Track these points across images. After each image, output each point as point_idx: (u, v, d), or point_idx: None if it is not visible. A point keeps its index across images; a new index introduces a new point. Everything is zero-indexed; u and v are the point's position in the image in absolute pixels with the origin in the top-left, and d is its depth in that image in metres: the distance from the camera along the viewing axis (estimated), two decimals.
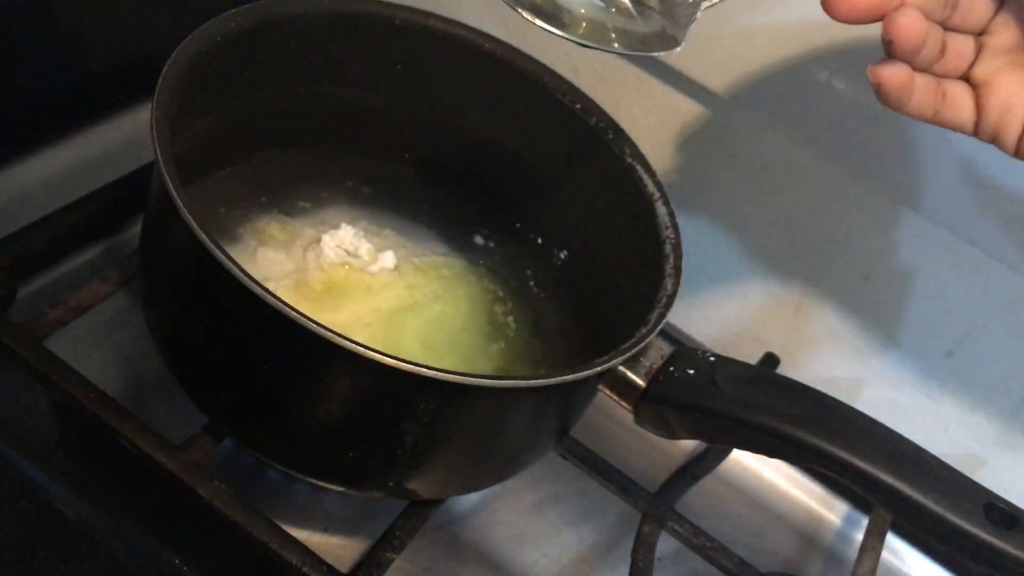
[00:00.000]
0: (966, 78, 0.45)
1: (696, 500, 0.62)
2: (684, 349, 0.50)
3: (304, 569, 0.47)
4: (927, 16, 0.43)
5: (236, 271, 0.41)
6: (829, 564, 0.67)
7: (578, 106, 0.59)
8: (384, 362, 0.41)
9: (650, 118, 0.72)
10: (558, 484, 0.63)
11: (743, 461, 0.69)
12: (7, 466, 0.49)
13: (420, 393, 0.44)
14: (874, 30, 0.43)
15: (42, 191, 0.60)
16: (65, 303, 0.53)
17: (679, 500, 0.60)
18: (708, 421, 0.47)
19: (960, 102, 0.45)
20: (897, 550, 0.68)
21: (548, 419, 0.51)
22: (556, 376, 0.46)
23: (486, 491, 0.60)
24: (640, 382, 0.49)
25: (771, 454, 0.48)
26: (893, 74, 0.44)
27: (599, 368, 0.46)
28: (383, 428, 0.46)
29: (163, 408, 0.55)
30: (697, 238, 0.74)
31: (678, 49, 0.46)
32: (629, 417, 0.50)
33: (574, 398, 0.51)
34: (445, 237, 0.64)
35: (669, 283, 0.51)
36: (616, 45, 0.45)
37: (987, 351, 0.67)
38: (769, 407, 0.46)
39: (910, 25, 0.42)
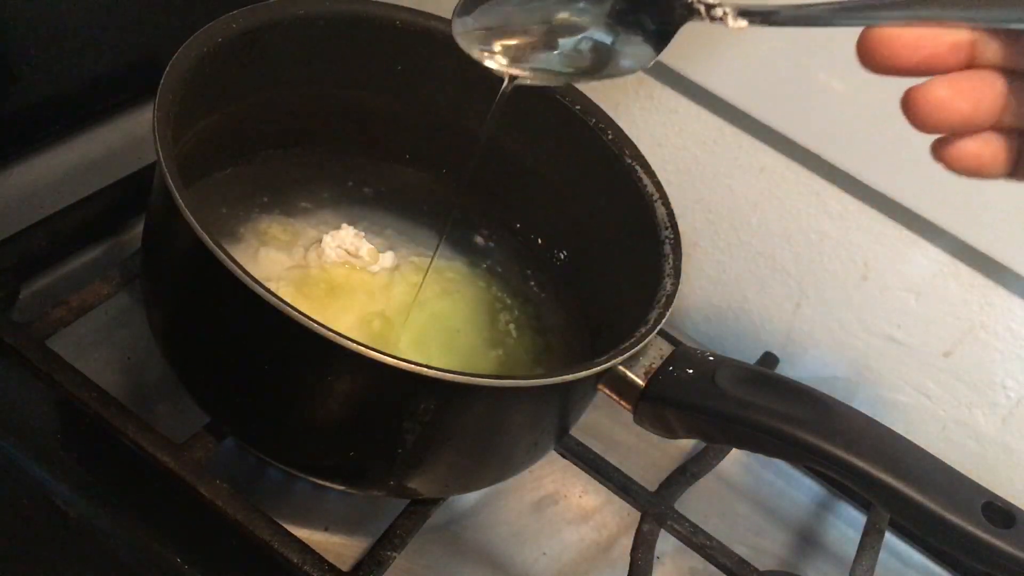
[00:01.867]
0: None
1: (695, 499, 0.62)
2: (683, 349, 0.50)
3: (305, 568, 0.47)
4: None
5: (238, 271, 0.41)
6: (828, 562, 0.67)
7: (578, 107, 0.59)
8: (384, 362, 0.41)
9: (650, 118, 0.72)
10: (558, 483, 0.63)
11: (742, 460, 0.69)
12: (10, 465, 0.49)
13: (420, 393, 0.44)
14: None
15: (45, 191, 0.60)
16: (67, 303, 0.53)
17: (678, 499, 0.60)
18: (707, 420, 0.48)
19: None
20: (895, 549, 0.68)
21: (548, 418, 0.51)
22: (556, 376, 0.46)
23: (486, 490, 0.60)
24: (639, 381, 0.49)
25: (770, 453, 0.48)
26: (961, 152, 0.32)
27: (599, 368, 0.46)
28: (384, 427, 0.46)
29: (165, 407, 0.56)
30: (697, 238, 0.74)
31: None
32: (629, 416, 0.50)
33: (574, 397, 0.51)
34: (445, 237, 0.64)
35: (668, 283, 0.52)
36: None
37: (985, 351, 0.67)
38: (768, 407, 0.46)
39: (936, 101, 0.30)
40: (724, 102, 0.68)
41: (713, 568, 0.57)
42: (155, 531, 0.49)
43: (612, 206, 0.59)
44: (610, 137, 0.59)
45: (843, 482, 0.45)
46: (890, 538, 0.66)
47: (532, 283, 0.64)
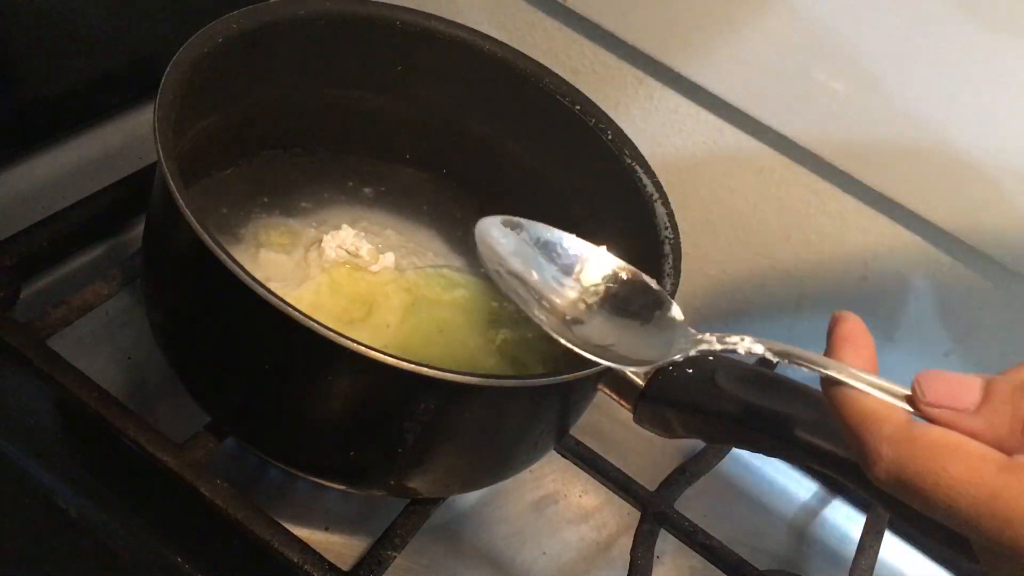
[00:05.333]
0: None
1: (695, 498, 0.62)
2: None
3: (306, 567, 0.47)
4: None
5: (238, 271, 0.41)
6: (827, 562, 0.67)
7: (578, 107, 0.60)
8: (385, 362, 0.41)
9: (650, 119, 0.72)
10: (558, 483, 0.63)
11: (742, 460, 0.70)
12: (10, 464, 0.49)
13: (420, 392, 0.44)
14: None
15: (45, 191, 0.61)
16: (68, 303, 0.53)
17: (678, 498, 0.60)
18: (707, 420, 0.48)
19: None
20: (895, 549, 0.68)
21: (548, 418, 0.51)
22: (556, 376, 0.46)
23: (486, 489, 0.60)
24: (639, 381, 0.49)
25: (770, 453, 0.48)
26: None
27: (599, 367, 0.46)
28: (384, 427, 0.46)
29: (166, 407, 0.56)
30: (696, 238, 0.75)
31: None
32: (629, 416, 0.50)
33: (574, 397, 0.51)
34: (445, 237, 0.64)
35: (668, 283, 0.52)
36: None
37: (985, 350, 0.67)
38: (768, 407, 0.46)
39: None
40: (724, 102, 0.68)
41: (713, 568, 0.57)
42: (156, 530, 0.49)
43: (612, 206, 0.59)
44: (610, 137, 0.59)
45: (843, 482, 0.45)
46: (890, 538, 0.66)
47: None
